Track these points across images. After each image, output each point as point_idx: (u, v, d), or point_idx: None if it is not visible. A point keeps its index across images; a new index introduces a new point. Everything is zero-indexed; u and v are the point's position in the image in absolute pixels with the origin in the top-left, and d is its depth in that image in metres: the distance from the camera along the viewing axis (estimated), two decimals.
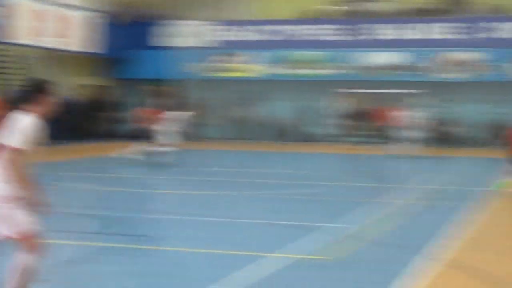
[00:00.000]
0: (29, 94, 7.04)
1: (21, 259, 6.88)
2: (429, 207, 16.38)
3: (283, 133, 39.37)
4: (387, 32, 38.52)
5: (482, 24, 37.48)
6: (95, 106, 41.26)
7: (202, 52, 40.41)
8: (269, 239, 12.30)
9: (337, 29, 39.28)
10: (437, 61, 37.54)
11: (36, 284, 7.13)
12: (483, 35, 37.21)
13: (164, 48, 41.02)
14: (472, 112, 38.51)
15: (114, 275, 9.51)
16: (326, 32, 39.41)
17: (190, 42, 40.83)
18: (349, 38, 38.97)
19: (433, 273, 9.65)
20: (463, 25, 37.82)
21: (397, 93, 35.70)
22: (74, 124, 36.74)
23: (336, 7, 41.54)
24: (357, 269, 10.18)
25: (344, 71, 38.64)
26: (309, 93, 39.45)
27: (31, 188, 6.71)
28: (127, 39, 40.56)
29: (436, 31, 37.96)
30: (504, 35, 37.01)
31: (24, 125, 6.68)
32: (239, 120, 40.76)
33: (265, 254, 10.59)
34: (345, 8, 41.20)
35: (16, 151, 6.62)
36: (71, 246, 11.23)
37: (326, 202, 17.06)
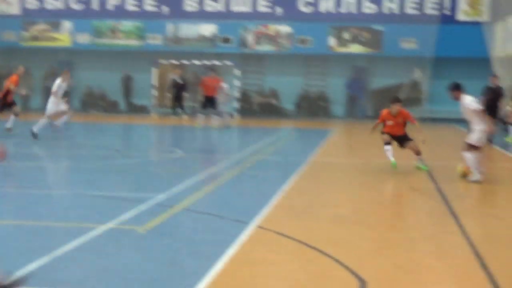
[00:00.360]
0: None
1: None
2: (253, 177, 16.67)
3: (112, 104, 39.09)
4: (206, 2, 38.51)
5: None
6: None
7: (13, 20, 39.12)
8: (84, 210, 12.12)
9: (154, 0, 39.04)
10: (249, 34, 38.04)
11: None
12: (292, 9, 37.91)
13: None
14: (283, 84, 39.38)
15: None
16: (145, 2, 39.07)
17: (2, 9, 39.46)
18: (165, 9, 38.77)
19: (246, 238, 9.80)
20: None
21: (213, 65, 36.02)
22: None
23: None
24: (173, 238, 10.20)
25: (160, 42, 38.59)
26: (132, 63, 39.13)
27: None
28: None
29: (251, 3, 38.26)
30: (307, 9, 37.90)
31: None
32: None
33: (79, 225, 10.46)
34: None
35: None
36: None
37: (149, 173, 16.96)
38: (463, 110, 16.04)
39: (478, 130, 15.40)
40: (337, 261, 8.74)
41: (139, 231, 10.22)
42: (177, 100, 31.14)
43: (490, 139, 23.85)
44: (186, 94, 30.98)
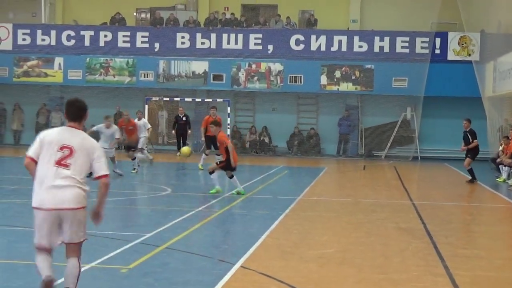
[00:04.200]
0: None
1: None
2: (241, 216, 16.76)
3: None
4: (198, 40, 38.67)
5: (281, 36, 38.38)
6: None
7: (9, 56, 39.20)
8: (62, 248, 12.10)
9: (143, 37, 39.16)
10: (240, 72, 38.14)
11: None
12: (284, 46, 38.10)
13: None
14: (275, 121, 39.47)
15: None
16: (136, 39, 39.23)
17: None
18: (152, 45, 38.94)
19: (229, 279, 9.73)
20: (262, 36, 38.61)
21: (205, 101, 36.14)
22: None
23: (139, 15, 41.57)
24: (156, 278, 10.08)
25: (152, 79, 38.67)
26: (124, 100, 39.13)
27: None
28: None
29: (243, 41, 38.41)
30: (299, 47, 38.10)
31: None
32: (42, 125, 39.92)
33: (61, 264, 10.40)
34: (149, 15, 41.22)
35: None
36: None
37: (136, 211, 16.91)
38: None
39: None
40: None
41: (122, 270, 10.19)
42: (180, 137, 30.85)
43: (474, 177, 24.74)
44: (189, 131, 30.78)
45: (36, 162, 8.01)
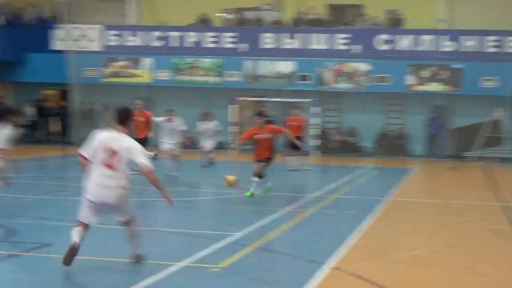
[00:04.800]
0: None
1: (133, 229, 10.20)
2: (331, 216, 16.59)
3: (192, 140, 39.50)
4: (284, 40, 38.75)
5: (368, 35, 38.19)
6: None
7: (94, 56, 39.99)
8: (162, 247, 12.30)
9: (229, 37, 39.43)
10: (327, 72, 38.09)
11: None
12: (370, 46, 37.91)
13: (58, 52, 40.26)
14: (362, 121, 39.33)
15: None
16: (223, 40, 39.52)
17: (81, 45, 40.32)
18: (241, 46, 39.15)
19: (321, 280, 9.74)
20: (348, 36, 38.34)
21: (291, 102, 36.15)
22: None
23: (228, 15, 41.81)
24: (248, 277, 10.23)
25: (238, 79, 38.93)
26: (210, 100, 39.35)
27: None
28: (15, 41, 39.97)
29: (329, 41, 38.35)
30: (385, 47, 37.82)
31: None
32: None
33: (157, 262, 10.60)
34: (235, 16, 41.40)
35: None
36: None
37: (227, 211, 17.01)
38: None
39: None
40: None
41: (214, 269, 10.30)
42: None
43: None
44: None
45: (88, 161, 9.66)
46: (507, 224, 15.71)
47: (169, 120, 21.44)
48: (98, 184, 9.60)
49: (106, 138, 9.73)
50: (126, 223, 10.22)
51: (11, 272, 10.04)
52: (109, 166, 9.60)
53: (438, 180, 27.32)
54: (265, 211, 16.28)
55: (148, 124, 23.15)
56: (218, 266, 10.48)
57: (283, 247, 12.33)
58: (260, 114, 17.12)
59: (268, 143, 16.68)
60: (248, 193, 16.84)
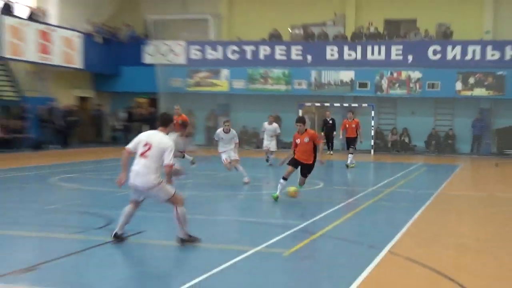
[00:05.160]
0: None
1: (178, 211, 10.32)
2: (386, 207, 16.45)
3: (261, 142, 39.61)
4: (345, 52, 38.60)
5: (420, 47, 37.78)
6: (94, 116, 41.72)
7: (180, 69, 40.38)
8: (237, 234, 12.33)
9: (297, 50, 39.44)
10: (383, 80, 37.82)
11: None
12: (422, 56, 37.51)
13: (148, 65, 40.74)
14: (414, 123, 38.96)
15: (104, 266, 9.55)
16: (291, 52, 39.57)
17: (169, 58, 40.75)
18: (309, 58, 39.12)
19: (379, 263, 9.70)
20: (402, 47, 38.01)
21: (352, 106, 35.95)
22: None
23: (295, 30, 41.81)
24: (313, 261, 10.25)
25: (305, 87, 38.89)
26: (280, 105, 39.58)
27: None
28: (111, 56, 40.61)
29: (386, 52, 38.10)
30: (436, 57, 37.33)
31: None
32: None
33: (233, 247, 10.64)
34: (302, 31, 41.38)
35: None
36: (73, 239, 11.23)
37: (294, 202, 16.92)
38: None
39: None
40: (461, 286, 8.56)
41: (283, 254, 10.29)
42: (327, 139, 30.90)
43: None
44: (335, 133, 30.75)
45: (131, 154, 10.40)
46: None
47: (227, 131, 19.76)
48: (134, 170, 10.25)
49: (148, 135, 10.50)
50: (171, 204, 10.42)
51: (110, 255, 10.18)
52: (144, 156, 10.20)
53: (483, 176, 26.82)
54: (328, 203, 16.19)
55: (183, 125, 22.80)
56: (287, 251, 10.48)
57: (345, 234, 12.25)
58: (299, 120, 16.31)
59: (307, 147, 15.84)
60: (274, 195, 15.97)
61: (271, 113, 36.31)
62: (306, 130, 15.89)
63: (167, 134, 10.64)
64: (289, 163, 16.14)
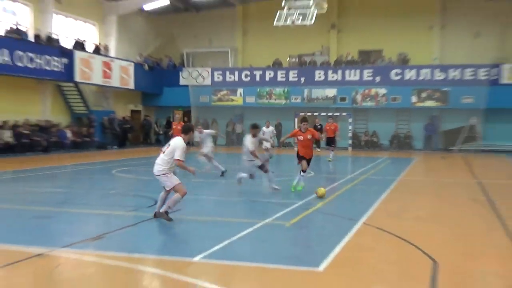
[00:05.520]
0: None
1: (174, 196, 10.23)
2: (361, 190, 16.39)
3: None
4: (329, 75, 38.46)
5: (385, 70, 37.64)
6: (143, 124, 41.76)
7: (206, 88, 40.38)
8: (250, 211, 12.30)
9: (293, 73, 39.39)
10: (358, 95, 37.72)
11: None
12: (387, 77, 37.40)
13: (183, 86, 40.75)
14: (381, 127, 38.84)
15: (151, 235, 9.56)
16: (289, 75, 39.48)
17: (199, 81, 40.79)
18: (299, 79, 39.07)
19: (356, 231, 9.69)
20: (372, 71, 37.85)
21: (334, 115, 35.88)
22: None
23: (291, 59, 41.78)
24: (308, 230, 10.25)
25: (299, 101, 38.78)
26: (281, 115, 39.42)
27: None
28: (156, 79, 40.70)
29: (359, 75, 37.96)
30: (395, 77, 37.19)
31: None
32: (234, 134, 41.03)
33: (248, 220, 10.63)
34: (297, 59, 41.35)
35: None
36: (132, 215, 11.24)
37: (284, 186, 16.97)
38: None
39: None
40: (418, 248, 8.53)
41: (285, 225, 10.28)
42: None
43: None
44: (322, 135, 30.43)
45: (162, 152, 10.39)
46: (481, 195, 15.26)
47: (254, 136, 15.70)
48: (155, 162, 10.31)
49: (173, 139, 10.43)
50: (174, 191, 10.31)
51: (155, 227, 10.18)
52: (162, 152, 10.28)
53: (433, 166, 26.69)
54: (318, 187, 16.16)
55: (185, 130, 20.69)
56: (289, 222, 10.46)
57: (331, 210, 12.21)
58: (304, 120, 15.01)
59: (308, 143, 14.80)
60: (299, 188, 14.83)
61: (275, 121, 36.44)
62: (308, 129, 14.82)
63: (189, 140, 10.39)
64: (299, 161, 14.86)
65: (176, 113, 22.75)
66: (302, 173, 14.79)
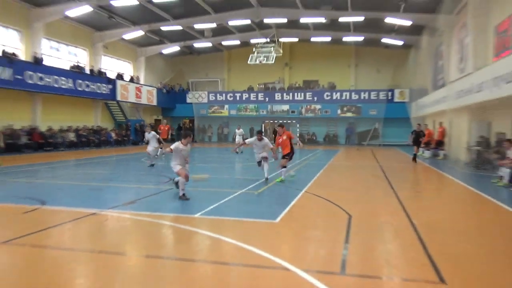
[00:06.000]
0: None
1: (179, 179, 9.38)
2: (304, 170, 16.33)
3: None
4: (284, 96, 38.39)
5: (320, 93, 37.77)
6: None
7: (204, 105, 40.07)
8: (233, 183, 12.29)
9: (260, 95, 39.31)
10: (303, 109, 37.85)
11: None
12: (321, 97, 37.54)
13: (187, 103, 40.25)
14: (318, 130, 38.90)
15: (167, 200, 9.49)
16: (258, 96, 39.41)
17: (199, 100, 40.47)
18: (265, 99, 39.04)
19: (300, 197, 9.77)
20: (312, 93, 37.94)
21: (286, 122, 35.95)
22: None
23: (259, 86, 41.68)
24: (270, 196, 10.21)
25: (265, 113, 38.72)
26: (257, 123, 39.19)
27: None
28: (170, 99, 40.21)
29: (303, 96, 38.07)
30: (327, 97, 37.36)
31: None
32: (222, 134, 40.69)
33: (231, 190, 10.66)
34: (263, 86, 41.27)
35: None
36: (150, 188, 11.16)
37: (257, 169, 16.85)
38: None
39: None
40: (339, 206, 8.67)
41: (255, 193, 10.32)
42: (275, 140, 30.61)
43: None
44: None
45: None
46: (381, 172, 15.51)
47: (260, 140, 13.44)
48: None
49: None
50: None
51: (171, 195, 10.14)
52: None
53: (351, 155, 26.93)
54: (276, 169, 16.11)
55: (168, 131, 20.45)
56: (257, 191, 10.51)
57: (285, 184, 12.27)
58: (280, 125, 13.29)
59: (286, 142, 12.85)
60: (278, 180, 12.62)
61: (249, 126, 36.33)
62: (283, 132, 13.06)
63: (187, 143, 9.54)
64: (282, 157, 12.79)
65: (163, 119, 21.94)
66: (282, 168, 12.72)
